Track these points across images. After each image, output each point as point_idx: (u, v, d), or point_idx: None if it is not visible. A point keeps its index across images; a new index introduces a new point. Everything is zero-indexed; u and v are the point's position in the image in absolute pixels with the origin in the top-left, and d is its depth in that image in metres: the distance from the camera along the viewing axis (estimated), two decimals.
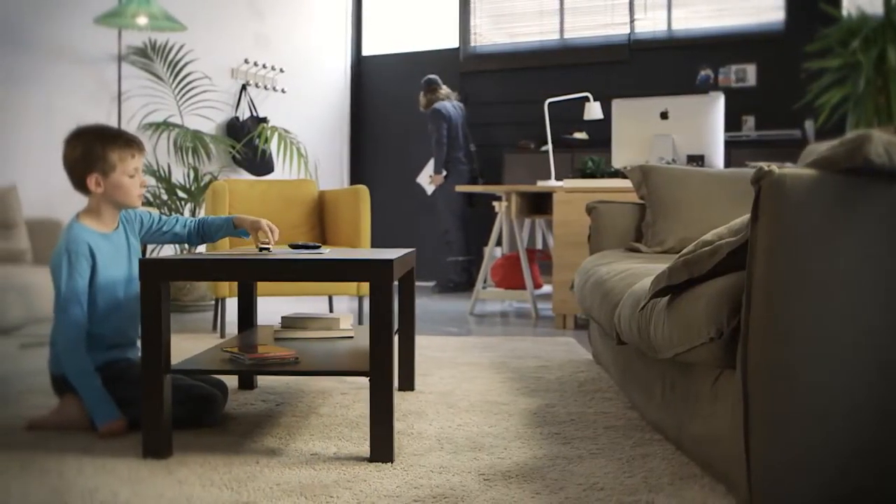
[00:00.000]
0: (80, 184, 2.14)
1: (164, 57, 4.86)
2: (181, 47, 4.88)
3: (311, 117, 6.74)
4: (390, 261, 1.80)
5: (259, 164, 5.64)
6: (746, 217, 1.69)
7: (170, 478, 1.73)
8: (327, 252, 2.19)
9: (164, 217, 2.32)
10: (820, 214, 1.50)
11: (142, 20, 3.99)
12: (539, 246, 5.54)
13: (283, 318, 2.43)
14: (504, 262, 5.06)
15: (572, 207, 4.20)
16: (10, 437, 2.05)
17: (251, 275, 1.80)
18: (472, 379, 2.83)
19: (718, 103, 4.42)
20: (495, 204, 4.92)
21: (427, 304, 5.47)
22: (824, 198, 1.50)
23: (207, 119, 5.38)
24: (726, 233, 1.78)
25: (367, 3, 7.42)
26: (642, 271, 2.46)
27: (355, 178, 7.29)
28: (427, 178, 6.24)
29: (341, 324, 2.40)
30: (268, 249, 2.20)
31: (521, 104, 6.66)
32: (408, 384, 2.60)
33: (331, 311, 4.31)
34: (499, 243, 5.47)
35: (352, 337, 2.37)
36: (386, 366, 1.81)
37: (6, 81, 4.29)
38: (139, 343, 2.21)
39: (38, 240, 3.04)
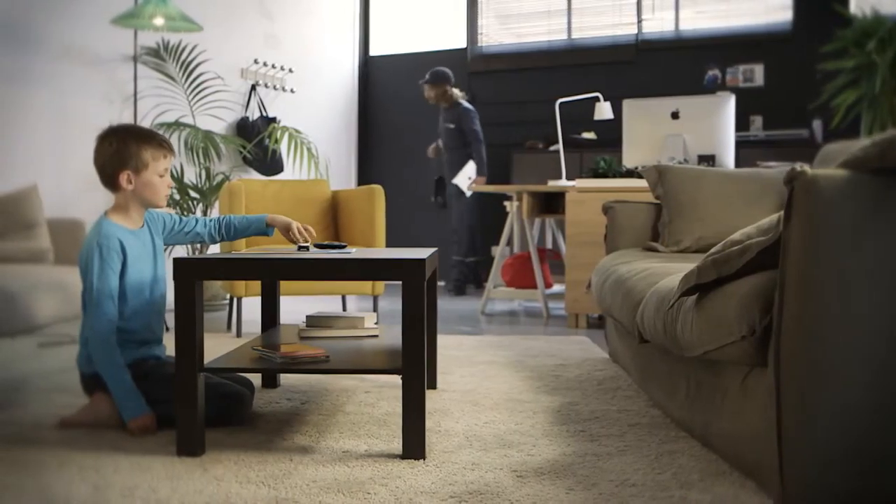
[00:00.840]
0: (110, 180, 2.16)
1: (176, 57, 4.88)
2: (194, 47, 4.90)
3: (319, 117, 6.75)
4: (423, 260, 1.82)
5: (269, 163, 5.66)
6: (775, 217, 1.71)
7: (206, 475, 1.75)
8: (354, 251, 2.22)
9: (183, 218, 2.35)
10: (852, 214, 1.52)
11: (158, 21, 4.01)
12: (549, 245, 5.56)
13: (307, 317, 2.45)
14: (514, 262, 5.08)
15: (585, 207, 4.22)
16: (43, 435, 2.07)
17: (287, 274, 1.82)
18: (492, 377, 2.85)
19: (729, 103, 4.44)
20: (506, 203, 4.94)
21: (438, 304, 5.49)
22: (856, 197, 1.52)
23: (218, 119, 5.40)
24: (755, 232, 1.80)
25: (375, 4, 7.43)
26: (663, 270, 2.49)
27: (363, 177, 7.31)
28: (466, 180, 5.92)
29: (366, 322, 2.42)
30: (306, 248, 2.23)
31: (529, 104, 6.68)
32: (431, 382, 2.62)
33: (344, 310, 4.33)
34: (508, 243, 5.49)
35: (377, 336, 2.39)
36: (418, 364, 1.83)
37: (20, 81, 4.30)
38: (159, 343, 2.27)
39: (57, 239, 3.05)
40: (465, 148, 6.10)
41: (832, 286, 1.51)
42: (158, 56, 4.89)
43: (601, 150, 5.91)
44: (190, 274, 1.85)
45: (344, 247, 2.29)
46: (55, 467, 1.80)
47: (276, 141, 5.41)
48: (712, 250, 1.85)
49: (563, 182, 4.72)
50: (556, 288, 5.16)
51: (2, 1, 4.21)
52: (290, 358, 1.94)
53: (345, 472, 1.77)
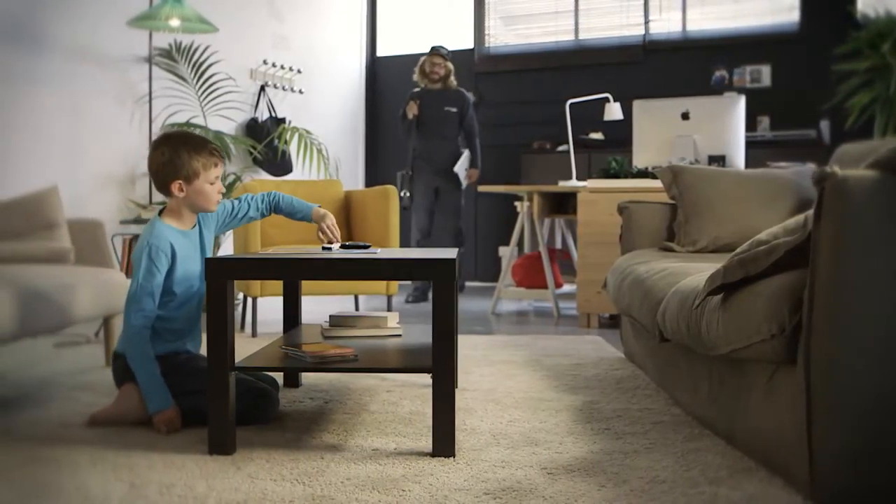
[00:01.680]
0: (163, 187, 2.20)
1: (188, 58, 4.90)
2: (206, 49, 4.92)
3: (327, 118, 6.77)
4: (453, 260, 1.84)
5: (278, 164, 5.68)
6: (802, 217, 1.73)
7: (240, 473, 1.77)
8: (379, 251, 2.24)
9: (235, 205, 2.36)
10: (882, 214, 1.54)
11: (174, 22, 4.03)
12: (558, 245, 5.58)
13: (330, 316, 2.47)
14: (525, 262, 5.10)
15: (596, 207, 4.24)
16: (72, 433, 2.09)
17: (322, 274, 1.84)
18: (511, 376, 2.87)
19: (739, 104, 4.47)
20: (517, 204, 4.96)
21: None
22: (886, 198, 1.54)
23: (229, 119, 5.42)
24: (781, 232, 1.82)
25: (382, 4, 7.46)
26: (682, 270, 2.51)
27: (370, 177, 7.33)
28: (464, 171, 5.66)
29: (389, 322, 2.44)
30: (329, 249, 2.26)
31: (536, 104, 6.70)
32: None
33: (356, 309, 4.35)
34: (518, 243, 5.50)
35: (400, 335, 2.41)
36: (448, 363, 1.85)
37: (33, 81, 4.32)
38: (197, 337, 2.31)
39: (76, 240, 3.07)
40: (457, 136, 5.77)
41: (862, 285, 1.53)
42: (170, 57, 4.91)
43: (609, 151, 5.93)
44: (223, 274, 1.87)
45: (368, 247, 2.31)
46: (89, 466, 1.82)
47: (286, 142, 5.42)
48: (738, 250, 1.88)
49: (574, 182, 4.74)
50: (566, 288, 5.18)
51: (16, 2, 4.23)
52: (320, 357, 1.96)
53: (377, 469, 1.79)
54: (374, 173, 7.33)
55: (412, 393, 2.57)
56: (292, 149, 5.64)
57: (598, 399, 2.51)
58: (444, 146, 5.74)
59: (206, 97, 5.06)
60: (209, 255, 2.32)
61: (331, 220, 2.37)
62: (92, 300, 2.73)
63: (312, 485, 1.69)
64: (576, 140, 6.08)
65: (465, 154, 5.70)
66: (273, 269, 1.88)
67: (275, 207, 2.41)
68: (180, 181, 2.19)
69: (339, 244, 2.34)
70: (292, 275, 1.87)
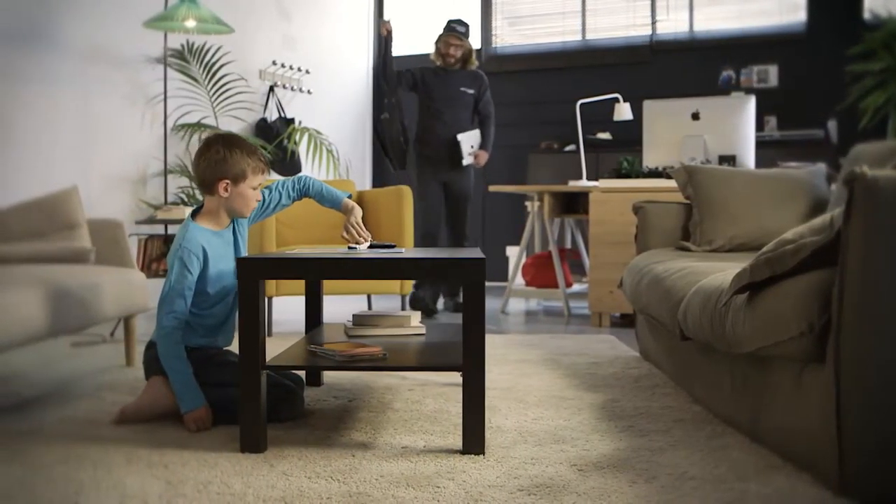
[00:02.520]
0: (209, 185, 2.22)
1: (200, 59, 4.92)
2: (217, 49, 4.94)
3: (334, 118, 6.80)
4: (483, 259, 1.86)
5: (287, 164, 5.70)
6: (828, 216, 1.76)
7: (273, 470, 1.79)
8: (404, 251, 2.26)
9: (265, 195, 2.38)
10: None
11: (190, 23, 4.05)
12: (568, 245, 5.60)
13: (354, 315, 2.49)
14: (535, 262, 5.12)
15: (608, 207, 4.26)
16: (102, 432, 2.11)
17: (353, 273, 1.86)
18: (529, 375, 2.90)
19: (749, 104, 4.49)
20: (527, 204, 4.98)
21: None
22: None
23: (239, 119, 5.44)
24: (807, 232, 1.84)
25: (389, 5, 7.48)
26: (701, 269, 2.53)
27: (378, 178, 7.35)
28: (469, 147, 4.94)
29: (412, 321, 2.46)
30: (355, 248, 2.28)
31: (543, 104, 6.72)
32: None
33: (369, 308, 4.37)
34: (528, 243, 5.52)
35: (423, 334, 2.43)
36: (478, 361, 1.87)
37: (44, 82, 4.34)
38: (229, 333, 2.34)
39: (95, 240, 3.08)
40: (471, 122, 5.14)
41: (892, 283, 1.55)
42: (182, 58, 4.92)
43: (617, 151, 5.96)
44: (254, 273, 1.89)
45: (393, 246, 2.34)
46: (124, 464, 1.84)
47: (296, 143, 5.44)
48: (764, 249, 1.89)
49: (585, 182, 4.76)
50: (576, 287, 5.21)
51: (29, 3, 4.25)
52: (350, 356, 1.98)
53: (409, 466, 1.81)
54: (382, 173, 7.35)
55: (434, 391, 2.59)
56: (301, 149, 5.66)
57: (619, 397, 2.54)
58: (454, 131, 5.01)
59: (218, 98, 5.08)
60: (243, 252, 2.35)
61: (359, 214, 2.38)
62: (114, 300, 2.75)
63: (347, 482, 1.71)
64: (584, 140, 6.11)
65: (476, 131, 5.06)
66: (307, 268, 1.90)
67: (304, 192, 2.44)
68: (228, 181, 2.21)
69: (367, 244, 2.35)
70: (325, 274, 1.88)
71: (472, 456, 1.88)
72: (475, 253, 2.07)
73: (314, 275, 1.88)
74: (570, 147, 6.43)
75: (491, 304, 5.46)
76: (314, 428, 2.15)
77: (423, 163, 5.05)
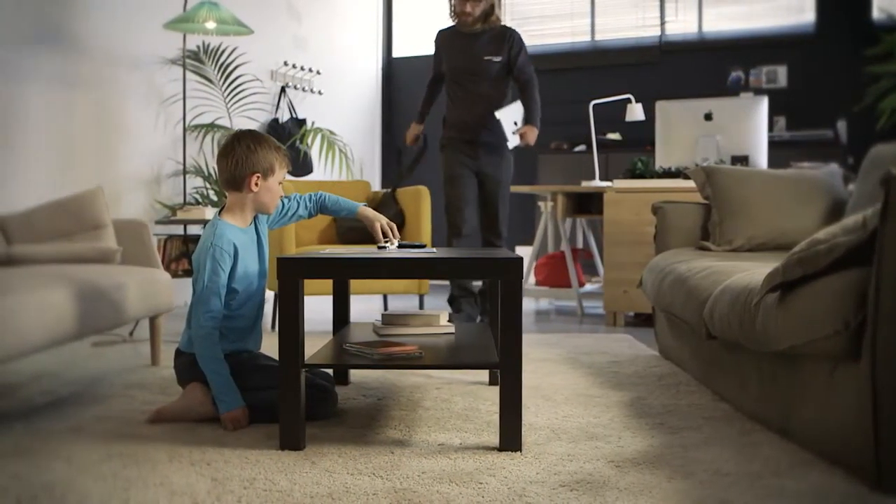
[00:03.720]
0: (239, 181, 2.24)
1: (215, 60, 4.95)
2: (233, 50, 4.97)
3: (344, 118, 6.83)
4: (520, 259, 1.89)
5: (299, 165, 5.72)
6: (860, 216, 1.78)
7: (315, 467, 1.81)
8: (435, 251, 2.29)
9: (285, 202, 2.42)
10: None
11: (210, 24, 4.08)
12: (580, 245, 5.63)
13: (383, 315, 2.52)
14: (548, 261, 5.15)
15: (622, 207, 4.30)
16: (139, 430, 2.13)
17: (392, 273, 1.89)
18: (553, 374, 2.93)
19: (762, 105, 4.53)
20: (540, 204, 5.01)
21: None
22: None
23: (252, 120, 5.47)
24: (840, 231, 1.86)
25: (397, 6, 7.51)
26: (725, 269, 2.56)
27: (387, 178, 7.38)
28: (512, 125, 4.13)
29: (440, 320, 2.48)
30: (385, 248, 2.30)
31: (553, 105, 6.71)
32: (498, 379, 2.69)
33: (385, 308, 4.40)
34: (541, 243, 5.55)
35: (452, 332, 2.45)
36: (515, 359, 1.90)
37: (61, 83, 4.36)
38: (258, 336, 2.36)
39: (120, 240, 3.11)
40: (504, 97, 4.25)
41: None
42: (198, 59, 4.95)
43: (626, 151, 5.99)
44: (294, 273, 1.91)
45: (423, 246, 2.36)
46: (166, 461, 1.86)
47: (308, 144, 5.47)
48: (796, 249, 1.92)
49: (597, 182, 4.80)
50: (588, 287, 5.24)
51: (48, 6, 4.27)
52: (387, 355, 2.01)
53: (448, 463, 1.84)
54: (391, 174, 7.38)
55: (461, 390, 2.62)
56: (314, 150, 5.69)
57: (645, 395, 2.56)
58: (480, 110, 4.17)
59: (232, 98, 5.11)
60: (266, 252, 2.38)
61: (382, 217, 2.42)
62: (142, 300, 2.78)
63: (390, 478, 1.73)
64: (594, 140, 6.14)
65: (517, 103, 4.21)
66: (345, 268, 1.93)
67: (321, 207, 2.47)
68: (259, 174, 2.24)
69: (396, 244, 2.38)
70: (366, 273, 1.91)
71: (510, 453, 1.91)
72: (506, 253, 2.10)
73: (356, 274, 1.91)
74: (580, 147, 6.46)
75: None
76: (349, 426, 2.17)
77: (450, 147, 4.26)
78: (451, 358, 2.06)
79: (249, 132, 2.31)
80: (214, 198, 5.00)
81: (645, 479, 1.73)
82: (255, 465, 1.83)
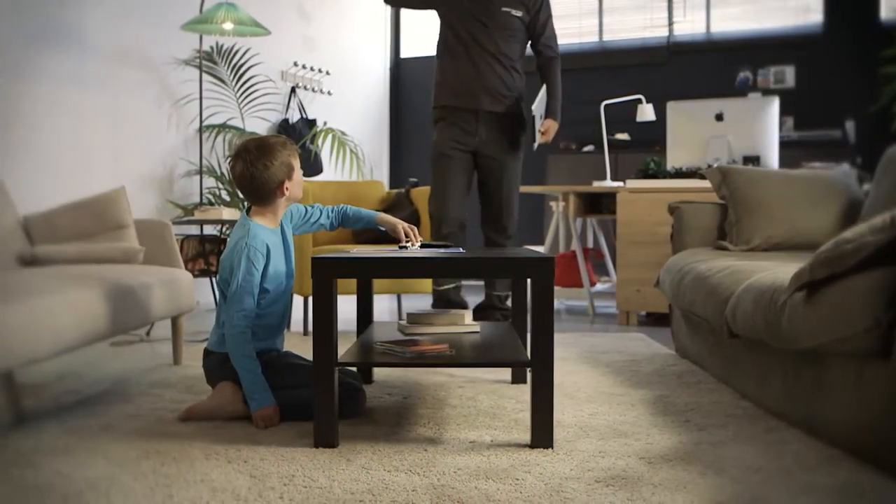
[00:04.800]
0: (268, 195, 2.27)
1: (228, 61, 4.97)
2: (246, 51, 4.99)
3: (354, 119, 6.85)
4: (552, 259, 1.92)
5: (311, 165, 5.75)
6: (887, 216, 1.81)
7: (352, 464, 1.84)
8: (461, 251, 2.31)
9: (308, 209, 2.45)
10: None
11: (228, 25, 4.11)
12: (590, 244, 5.66)
13: (408, 314, 2.55)
14: (559, 261, 5.18)
15: (636, 207, 4.32)
16: (170, 428, 2.15)
17: (428, 272, 1.92)
18: (573, 373, 2.95)
19: (773, 105, 4.56)
20: (552, 204, 5.04)
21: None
22: None
23: (264, 120, 5.50)
24: (867, 231, 1.89)
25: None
26: (746, 268, 2.58)
27: (395, 178, 7.41)
28: (539, 118, 3.54)
29: (465, 319, 2.51)
30: (406, 248, 2.33)
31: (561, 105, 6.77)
32: (520, 377, 2.72)
33: (399, 308, 4.43)
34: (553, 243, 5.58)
35: (477, 331, 2.48)
36: (547, 357, 1.92)
37: (75, 84, 4.38)
38: (282, 335, 2.39)
39: (142, 240, 3.14)
40: (520, 62, 3.54)
41: None
42: (211, 60, 4.98)
43: (635, 151, 6.02)
44: (328, 272, 1.94)
45: (448, 246, 2.39)
46: (203, 459, 1.88)
47: (318, 145, 5.50)
48: (823, 248, 1.95)
49: (609, 182, 4.82)
50: (599, 287, 5.26)
51: (60, 5, 4.30)
52: (419, 353, 2.03)
53: (482, 460, 1.86)
54: (399, 174, 7.41)
55: (485, 388, 2.65)
56: (324, 150, 5.71)
57: (667, 393, 2.59)
58: (496, 77, 3.45)
59: (244, 99, 5.14)
60: (292, 253, 2.40)
61: (403, 224, 2.46)
62: (166, 299, 2.80)
63: (427, 475, 1.76)
64: (602, 140, 6.16)
65: (543, 91, 3.54)
66: (379, 268, 1.95)
67: (343, 218, 2.50)
68: (286, 181, 2.27)
69: (418, 244, 2.41)
70: (400, 273, 1.94)
71: (542, 450, 1.93)
72: (533, 252, 2.12)
73: (392, 274, 1.93)
74: (588, 148, 6.49)
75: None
76: (378, 424, 2.20)
77: (444, 120, 3.49)
78: (482, 356, 2.09)
79: (255, 146, 2.27)
80: (227, 198, 5.02)
81: (678, 475, 1.75)
82: (291, 462, 1.86)
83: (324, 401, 1.95)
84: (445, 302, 3.64)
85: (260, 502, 1.60)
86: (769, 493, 1.65)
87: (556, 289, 5.11)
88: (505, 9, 3.45)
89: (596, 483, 1.70)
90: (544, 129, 3.54)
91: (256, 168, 2.24)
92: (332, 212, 2.50)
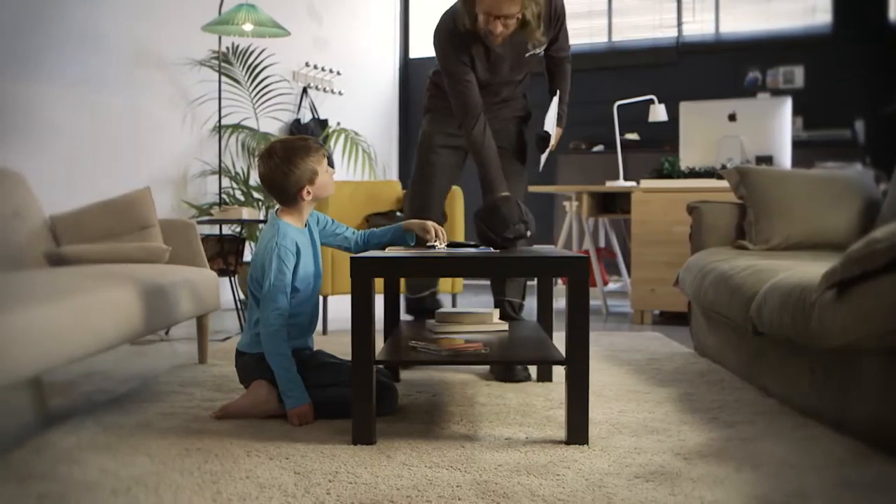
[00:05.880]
0: (291, 198, 2.30)
1: (243, 61, 5.00)
2: (261, 52, 5.02)
3: (364, 119, 6.88)
4: (587, 258, 1.95)
5: None
6: None
7: (392, 461, 1.86)
8: (491, 250, 2.34)
9: (334, 221, 2.49)
10: None
11: (248, 27, 4.14)
12: (601, 244, 5.69)
13: (437, 313, 2.57)
14: None
15: (650, 207, 4.35)
16: (207, 426, 2.18)
17: (468, 271, 1.95)
18: (597, 371, 2.97)
19: (785, 106, 4.59)
20: (565, 203, 5.07)
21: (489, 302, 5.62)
22: None
23: (277, 121, 5.52)
24: None
25: (414, 7, 7.56)
26: (768, 267, 2.62)
27: (405, 178, 7.43)
28: (553, 127, 3.15)
29: (493, 318, 2.54)
30: (434, 247, 2.36)
31: (569, 105, 6.78)
32: (546, 375, 2.75)
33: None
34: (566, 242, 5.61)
35: (506, 330, 2.51)
36: (582, 355, 1.96)
37: (91, 84, 4.41)
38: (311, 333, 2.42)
39: (167, 240, 3.16)
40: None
41: None
42: (226, 60, 5.00)
43: (644, 151, 6.04)
44: (367, 272, 1.97)
45: (477, 246, 2.42)
46: (244, 456, 1.91)
47: (331, 146, 5.53)
48: (853, 248, 1.98)
49: (622, 182, 4.85)
50: (611, 286, 5.30)
51: (79, 8, 4.32)
52: (455, 351, 2.06)
53: (521, 456, 1.89)
54: (407, 174, 7.43)
55: (511, 387, 2.67)
56: (336, 151, 5.74)
57: (691, 391, 2.62)
58: (510, 100, 3.11)
59: (259, 99, 5.16)
60: (320, 254, 2.43)
61: (431, 224, 2.48)
62: (192, 298, 2.83)
63: (469, 471, 1.79)
64: (612, 141, 6.18)
65: (554, 104, 3.16)
66: (416, 266, 1.98)
67: (369, 236, 2.50)
68: (307, 186, 2.29)
69: (444, 244, 2.44)
70: (436, 272, 1.97)
71: (577, 446, 1.96)
72: (563, 252, 2.15)
73: (426, 272, 1.96)
74: (598, 148, 6.52)
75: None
76: (411, 421, 2.23)
77: (437, 111, 3.17)
78: (517, 354, 2.12)
79: (280, 149, 2.30)
80: (242, 198, 5.05)
81: (714, 471, 1.78)
82: (332, 458, 1.88)
83: (362, 398, 1.98)
84: (419, 311, 3.18)
85: (308, 497, 1.63)
86: (806, 487, 1.68)
87: (559, 288, 5.14)
88: (530, 54, 2.94)
89: (635, 479, 1.73)
90: (554, 140, 3.19)
91: (280, 171, 2.28)
92: (356, 233, 2.51)
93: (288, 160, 2.28)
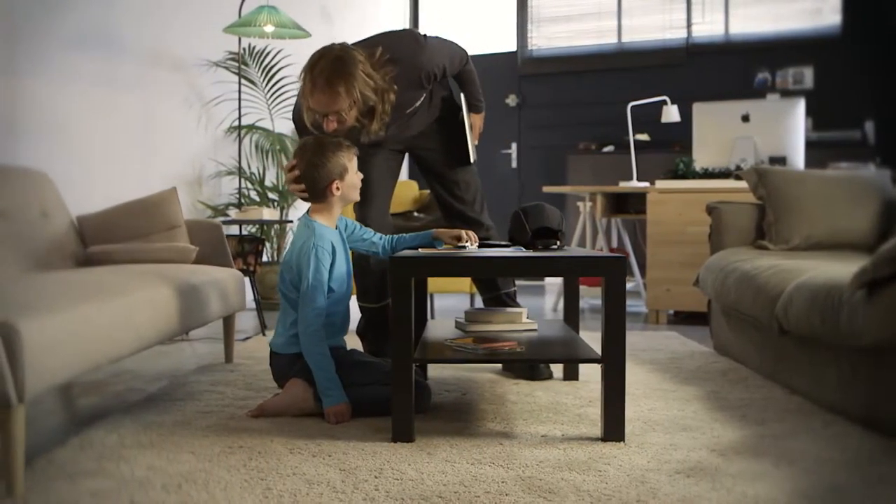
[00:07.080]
0: (320, 192, 2.33)
1: (259, 62, 5.03)
2: (278, 52, 5.05)
3: None
4: (624, 258, 1.98)
5: None
6: None
7: (434, 458, 1.89)
8: (524, 250, 2.37)
9: (360, 224, 2.52)
10: None
11: (269, 28, 4.16)
12: (614, 244, 5.72)
13: (466, 312, 2.60)
14: None
15: (666, 207, 4.39)
16: (244, 424, 2.21)
17: (501, 271, 1.98)
18: None
19: (799, 107, 4.63)
20: (579, 204, 5.10)
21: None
22: None
23: (291, 121, 5.54)
24: None
25: (425, 7, 7.60)
26: (791, 267, 2.65)
27: (412, 178, 7.46)
28: (468, 117, 3.04)
29: (522, 317, 2.57)
30: (464, 247, 2.39)
31: (580, 106, 6.85)
32: (572, 374, 2.78)
33: (432, 308, 4.48)
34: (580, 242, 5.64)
35: (536, 329, 2.54)
36: (618, 353, 1.99)
37: (107, 85, 4.43)
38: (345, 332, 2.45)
39: (193, 240, 3.19)
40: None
41: None
42: (242, 61, 5.03)
43: (654, 152, 6.08)
44: (407, 272, 2.00)
45: (510, 245, 2.45)
46: (288, 453, 1.94)
47: None
48: (883, 248, 2.01)
49: (636, 182, 4.89)
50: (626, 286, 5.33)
51: (95, 9, 4.35)
52: (491, 350, 2.09)
53: (561, 453, 1.92)
54: (417, 174, 7.47)
55: (538, 385, 2.71)
56: None
57: (717, 389, 2.65)
58: (421, 110, 2.86)
59: (274, 100, 5.19)
60: (349, 255, 2.46)
61: (463, 230, 2.50)
62: (221, 298, 2.86)
63: (511, 467, 1.82)
64: (622, 141, 6.23)
65: (462, 96, 3.02)
66: (455, 266, 2.01)
67: (397, 241, 2.53)
68: (337, 181, 2.33)
69: (475, 244, 2.47)
70: (475, 272, 2.00)
71: (614, 443, 1.99)
72: (593, 252, 2.18)
73: (472, 272, 1.99)
74: (608, 148, 6.55)
75: (530, 302, 5.58)
76: (446, 419, 2.26)
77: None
78: (552, 352, 2.15)
79: (312, 144, 2.37)
80: (257, 198, 5.08)
81: (752, 467, 1.82)
82: (374, 456, 1.91)
83: (401, 396, 2.01)
84: (378, 325, 3.01)
85: (358, 494, 1.66)
86: (844, 483, 1.72)
87: (581, 288, 5.17)
88: (410, 109, 2.79)
89: (676, 474, 1.76)
90: (474, 124, 3.03)
91: (311, 163, 2.33)
92: (383, 238, 2.54)
93: (320, 153, 2.33)
